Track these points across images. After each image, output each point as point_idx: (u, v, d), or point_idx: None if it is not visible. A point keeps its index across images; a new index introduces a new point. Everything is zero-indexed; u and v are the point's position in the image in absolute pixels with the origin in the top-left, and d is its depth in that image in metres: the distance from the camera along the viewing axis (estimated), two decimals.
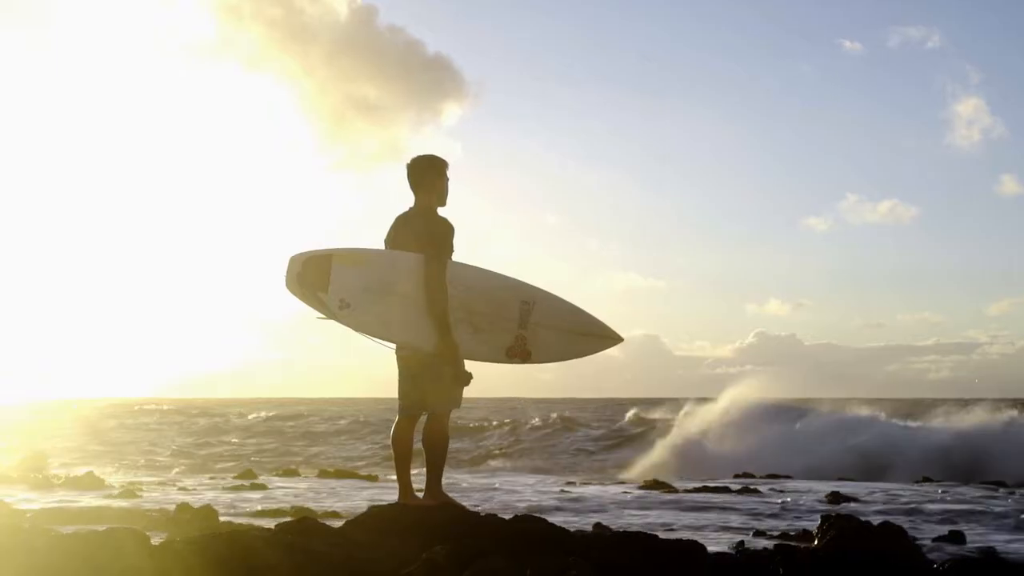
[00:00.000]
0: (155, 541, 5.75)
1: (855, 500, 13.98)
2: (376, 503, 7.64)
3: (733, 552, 6.59)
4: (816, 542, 8.14)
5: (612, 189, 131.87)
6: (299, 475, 17.98)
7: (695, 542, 6.58)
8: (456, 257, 6.70)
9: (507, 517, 6.65)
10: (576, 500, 13.50)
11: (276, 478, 17.45)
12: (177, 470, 20.87)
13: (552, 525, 6.47)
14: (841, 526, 8.13)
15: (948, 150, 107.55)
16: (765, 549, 6.54)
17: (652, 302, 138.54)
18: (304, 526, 5.87)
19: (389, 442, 6.77)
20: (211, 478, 17.35)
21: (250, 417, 43.89)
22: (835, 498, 14.04)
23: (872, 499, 14.14)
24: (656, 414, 30.17)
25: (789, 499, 14.15)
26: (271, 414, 44.88)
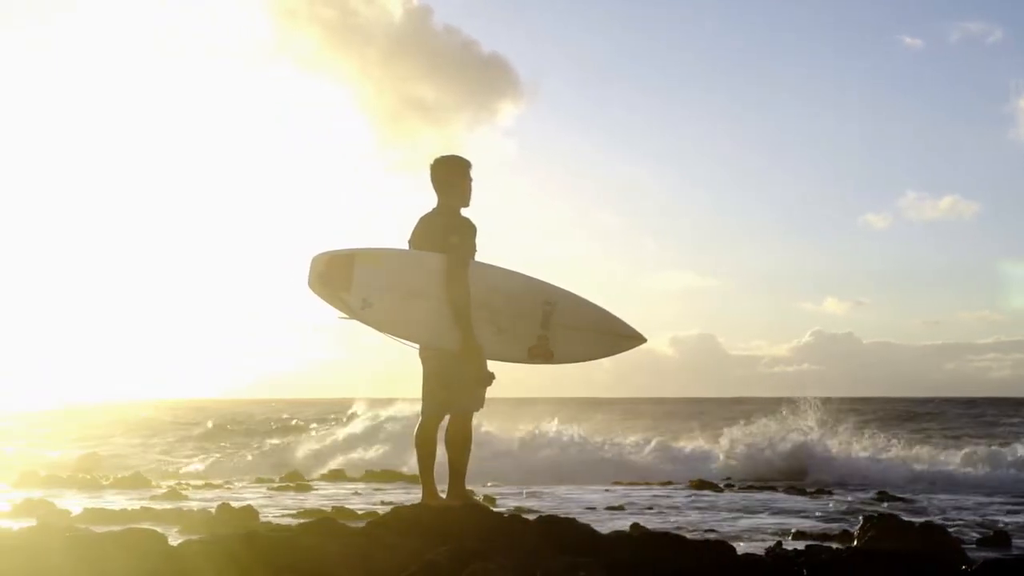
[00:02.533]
0: (179, 542, 5.78)
1: (906, 500, 13.78)
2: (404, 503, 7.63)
3: (763, 553, 6.48)
4: (855, 542, 8.03)
5: (668, 188, 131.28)
6: (346, 477, 18.05)
7: (723, 542, 6.49)
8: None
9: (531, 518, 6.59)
10: (620, 501, 13.42)
11: (322, 480, 17.54)
12: (222, 468, 21.02)
13: (578, 526, 6.39)
14: (881, 526, 8.00)
15: (1010, 145, 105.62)
16: (795, 550, 6.44)
17: (708, 301, 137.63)
18: (325, 526, 5.87)
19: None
20: (258, 479, 17.47)
21: (303, 417, 44.18)
22: (884, 498, 13.85)
23: (926, 502, 13.90)
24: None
25: (836, 500, 13.97)
26: (324, 414, 45.09)
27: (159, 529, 8.86)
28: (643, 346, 6.92)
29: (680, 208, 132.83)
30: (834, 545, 6.95)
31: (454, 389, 6.52)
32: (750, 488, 16.00)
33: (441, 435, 6.63)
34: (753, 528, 10.48)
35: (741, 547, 7.40)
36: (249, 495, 13.74)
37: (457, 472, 6.56)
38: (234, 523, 9.05)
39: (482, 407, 6.61)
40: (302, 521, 6.50)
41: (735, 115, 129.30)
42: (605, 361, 7.02)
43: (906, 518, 9.07)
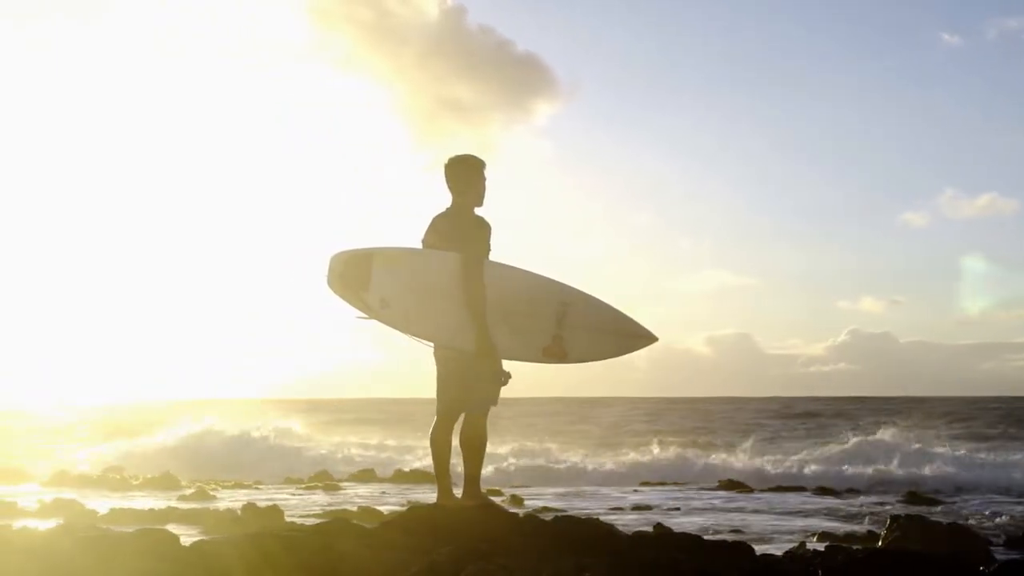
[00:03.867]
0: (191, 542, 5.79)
1: (939, 501, 13.63)
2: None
3: (780, 554, 6.42)
4: (880, 543, 7.94)
5: (703, 187, 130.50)
6: (376, 477, 18.07)
7: (741, 543, 6.45)
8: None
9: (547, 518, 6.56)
10: (648, 501, 13.36)
11: (352, 480, 17.56)
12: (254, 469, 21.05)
13: (594, 526, 6.36)
14: (907, 527, 7.90)
15: None
16: (814, 551, 6.37)
17: (744, 300, 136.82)
18: (338, 526, 5.88)
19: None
20: (287, 479, 17.53)
21: (336, 417, 44.33)
22: (916, 499, 13.69)
23: (961, 503, 13.73)
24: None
25: (865, 501, 13.85)
26: (358, 414, 45.30)
27: (184, 528, 8.95)
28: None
29: (715, 207, 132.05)
30: (855, 546, 6.86)
31: (469, 389, 6.51)
32: (779, 489, 15.86)
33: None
34: (780, 529, 10.39)
35: (764, 548, 7.34)
36: (277, 495, 13.78)
37: (472, 472, 6.55)
38: (259, 523, 9.08)
39: (495, 406, 6.60)
40: (319, 521, 6.49)
41: (771, 113, 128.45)
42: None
43: (935, 519, 8.96)
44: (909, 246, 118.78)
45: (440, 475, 6.61)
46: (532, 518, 6.49)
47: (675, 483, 17.32)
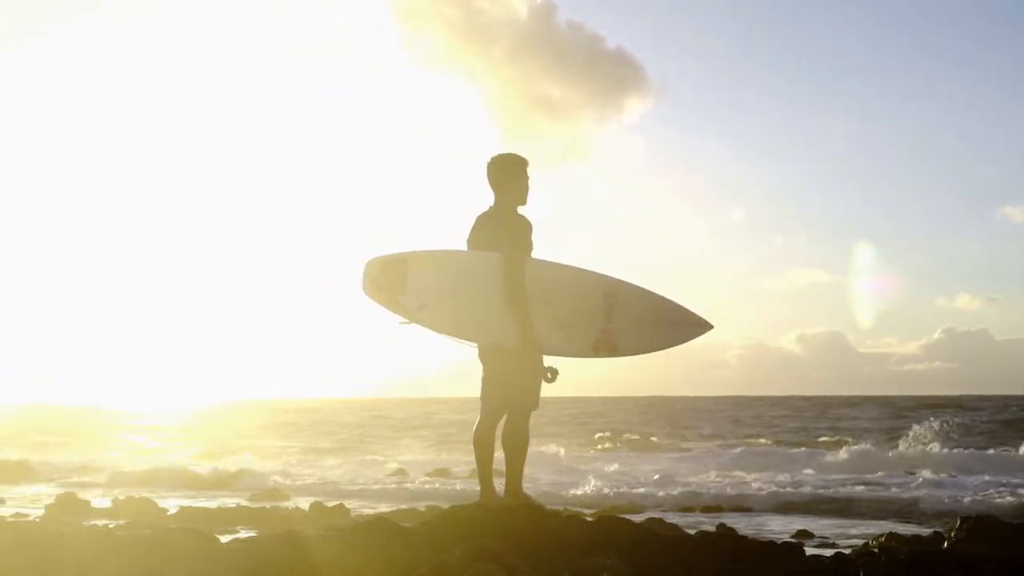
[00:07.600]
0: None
1: None
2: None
3: (828, 556, 6.24)
4: (945, 544, 7.69)
5: (796, 184, 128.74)
6: (450, 475, 18.12)
7: (790, 544, 6.33)
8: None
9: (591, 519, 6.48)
10: (724, 503, 13.17)
11: (428, 478, 17.62)
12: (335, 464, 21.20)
13: (639, 527, 6.25)
14: (975, 528, 7.64)
15: None
16: (863, 553, 6.20)
17: (837, 298, 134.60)
18: (377, 526, 5.85)
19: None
20: (364, 474, 17.70)
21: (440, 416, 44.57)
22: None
23: None
24: None
25: (948, 500, 13.45)
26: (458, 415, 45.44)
27: (247, 527, 9.07)
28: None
29: (808, 204, 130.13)
30: (905, 549, 6.64)
31: (512, 388, 6.44)
32: (855, 498, 15.52)
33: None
34: (849, 532, 10.18)
35: (824, 552, 7.13)
36: (349, 495, 13.88)
37: (514, 471, 6.49)
38: (322, 521, 9.14)
39: (537, 407, 6.52)
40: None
41: (866, 110, 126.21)
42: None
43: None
44: (1007, 242, 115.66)
45: (483, 475, 6.57)
46: (574, 518, 6.43)
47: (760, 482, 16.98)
